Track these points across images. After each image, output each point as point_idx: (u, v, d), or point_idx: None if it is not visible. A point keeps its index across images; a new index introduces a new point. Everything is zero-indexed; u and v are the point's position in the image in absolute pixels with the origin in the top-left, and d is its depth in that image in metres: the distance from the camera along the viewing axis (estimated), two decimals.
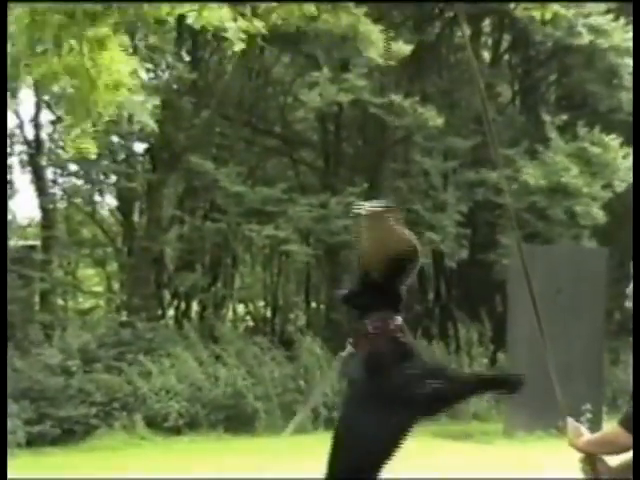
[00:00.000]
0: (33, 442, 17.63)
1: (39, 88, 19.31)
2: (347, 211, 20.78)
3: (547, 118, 22.71)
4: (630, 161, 21.23)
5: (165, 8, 9.03)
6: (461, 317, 22.82)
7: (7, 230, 18.78)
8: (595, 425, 15.40)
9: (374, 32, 19.79)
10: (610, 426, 4.13)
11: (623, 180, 21.52)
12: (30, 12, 8.72)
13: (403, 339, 4.64)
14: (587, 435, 4.34)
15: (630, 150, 21.21)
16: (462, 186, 22.96)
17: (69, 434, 18.32)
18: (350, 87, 20.83)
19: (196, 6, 9.08)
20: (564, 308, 18.46)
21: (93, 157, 9.95)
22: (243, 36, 9.17)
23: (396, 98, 20.92)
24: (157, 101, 13.60)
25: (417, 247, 4.69)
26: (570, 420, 4.40)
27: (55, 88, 9.76)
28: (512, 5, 22.18)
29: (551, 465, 11.62)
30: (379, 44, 19.48)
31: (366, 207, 4.65)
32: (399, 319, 4.66)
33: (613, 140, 21.74)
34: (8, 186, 22.91)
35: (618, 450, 4.19)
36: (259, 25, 9.25)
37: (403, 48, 20.17)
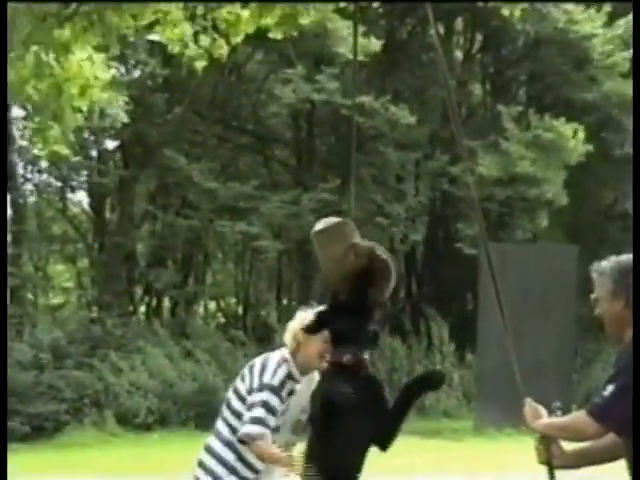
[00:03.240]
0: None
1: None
2: (319, 208, 20.79)
3: (502, 109, 22.81)
4: (580, 137, 21.51)
5: (130, 21, 8.95)
6: (432, 314, 22.87)
7: (6, 230, 18.62)
8: None
9: (344, 28, 19.86)
10: (578, 413, 4.13)
11: (575, 158, 21.75)
12: None
13: (369, 376, 4.58)
14: (546, 418, 4.36)
15: (577, 125, 21.64)
16: (424, 178, 23.19)
17: (39, 431, 18.23)
18: (322, 88, 20.90)
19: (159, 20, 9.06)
20: (535, 306, 18.54)
21: (67, 158, 9.86)
22: (204, 56, 9.21)
23: (367, 100, 20.92)
24: (125, 97, 13.51)
25: (382, 258, 4.50)
26: (529, 401, 4.41)
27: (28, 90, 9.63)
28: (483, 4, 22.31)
29: (520, 462, 11.66)
30: (349, 40, 19.53)
31: (317, 225, 4.54)
32: (366, 355, 4.57)
33: (564, 124, 21.89)
34: None
35: (582, 437, 4.21)
36: (221, 45, 9.29)
37: (374, 44, 20.27)
